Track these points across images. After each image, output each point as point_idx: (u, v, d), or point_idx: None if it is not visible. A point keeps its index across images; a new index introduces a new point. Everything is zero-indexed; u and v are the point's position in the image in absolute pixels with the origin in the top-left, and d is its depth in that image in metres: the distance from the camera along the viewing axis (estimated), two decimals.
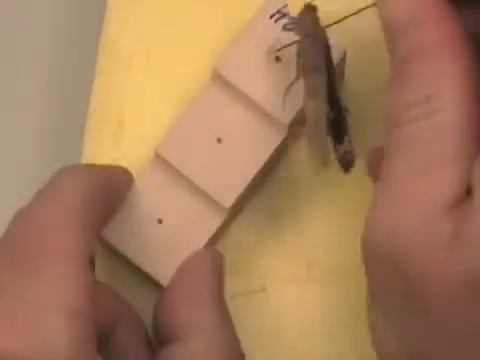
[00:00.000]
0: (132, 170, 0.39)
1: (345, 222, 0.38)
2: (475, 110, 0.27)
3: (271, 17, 0.35)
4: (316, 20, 0.34)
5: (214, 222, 0.35)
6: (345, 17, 0.33)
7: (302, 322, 0.37)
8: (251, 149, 0.35)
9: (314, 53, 0.33)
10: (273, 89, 0.35)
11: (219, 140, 0.35)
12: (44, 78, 0.44)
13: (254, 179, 0.35)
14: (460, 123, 0.27)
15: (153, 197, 0.36)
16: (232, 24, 0.41)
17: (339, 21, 0.33)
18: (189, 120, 0.36)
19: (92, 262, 0.33)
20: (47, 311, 0.30)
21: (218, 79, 0.36)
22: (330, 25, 0.34)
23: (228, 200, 0.35)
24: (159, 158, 0.36)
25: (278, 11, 0.35)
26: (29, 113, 0.44)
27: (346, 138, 0.33)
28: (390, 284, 0.28)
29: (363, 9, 0.32)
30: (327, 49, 0.34)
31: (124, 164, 0.39)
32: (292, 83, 0.34)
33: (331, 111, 0.33)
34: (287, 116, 0.35)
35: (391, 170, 0.28)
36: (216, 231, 0.36)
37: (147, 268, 0.35)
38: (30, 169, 0.43)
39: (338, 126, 0.33)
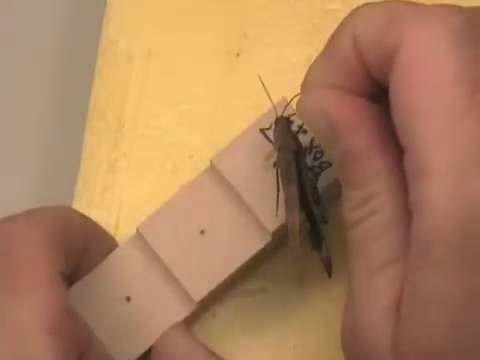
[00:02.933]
0: (132, 170, 0.39)
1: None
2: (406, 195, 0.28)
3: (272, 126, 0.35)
4: (286, 130, 0.34)
5: (182, 311, 0.35)
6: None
7: (302, 322, 0.37)
8: (232, 248, 0.35)
9: (286, 164, 0.33)
10: (265, 194, 0.34)
11: (202, 232, 0.35)
12: (44, 78, 0.44)
13: (229, 278, 0.35)
14: (400, 216, 0.28)
15: (125, 273, 0.35)
16: (232, 24, 0.41)
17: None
18: (177, 205, 0.36)
19: (66, 278, 0.32)
20: (27, 329, 0.29)
21: (214, 171, 0.36)
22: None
23: (199, 294, 0.35)
24: (139, 235, 0.36)
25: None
26: (29, 113, 0.44)
27: (323, 246, 0.33)
28: None
29: None
30: (299, 157, 0.34)
31: (124, 164, 0.39)
32: (277, 196, 0.34)
33: (308, 221, 0.33)
34: (274, 223, 0.34)
35: (350, 272, 0.29)
36: (183, 319, 0.35)
37: (109, 347, 0.34)
38: (30, 169, 0.43)
39: (315, 235, 0.33)
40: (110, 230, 0.38)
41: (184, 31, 0.41)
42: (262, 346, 0.37)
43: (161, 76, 0.41)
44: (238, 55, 0.41)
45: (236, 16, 0.41)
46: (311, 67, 0.31)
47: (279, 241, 0.36)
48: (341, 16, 0.39)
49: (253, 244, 0.35)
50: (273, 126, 0.34)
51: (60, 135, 0.43)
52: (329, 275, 0.34)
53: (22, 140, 0.44)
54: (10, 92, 0.44)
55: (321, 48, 0.40)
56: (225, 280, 0.35)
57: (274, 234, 0.35)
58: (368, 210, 0.28)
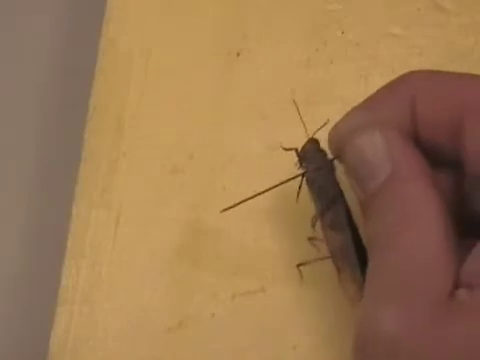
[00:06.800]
0: (132, 170, 0.39)
1: None
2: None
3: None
4: (323, 152, 0.33)
5: None
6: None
7: (302, 322, 0.37)
8: None
9: (329, 184, 0.33)
10: None
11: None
12: (44, 78, 0.44)
13: None
14: (442, 240, 0.28)
15: None
16: (232, 24, 0.41)
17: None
18: None
19: None
20: None
21: None
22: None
23: None
24: None
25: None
26: (29, 113, 0.44)
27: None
28: None
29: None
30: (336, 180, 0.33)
31: (124, 164, 0.39)
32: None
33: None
34: None
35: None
36: None
37: None
38: (30, 169, 0.43)
39: (361, 254, 0.33)
40: (110, 230, 0.38)
41: (184, 31, 0.41)
42: (262, 346, 0.37)
43: (161, 76, 0.41)
44: (238, 55, 0.41)
45: (236, 16, 0.41)
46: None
47: None
48: (341, 16, 0.40)
49: None
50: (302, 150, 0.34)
51: (60, 135, 0.43)
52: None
53: (22, 140, 0.44)
54: (10, 92, 0.44)
55: (321, 48, 0.41)
56: None
57: None
58: (410, 223, 0.28)
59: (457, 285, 0.27)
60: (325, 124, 0.33)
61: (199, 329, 0.37)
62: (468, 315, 0.26)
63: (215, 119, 0.40)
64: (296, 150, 0.34)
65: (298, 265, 0.36)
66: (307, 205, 0.38)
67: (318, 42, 0.40)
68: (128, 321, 0.37)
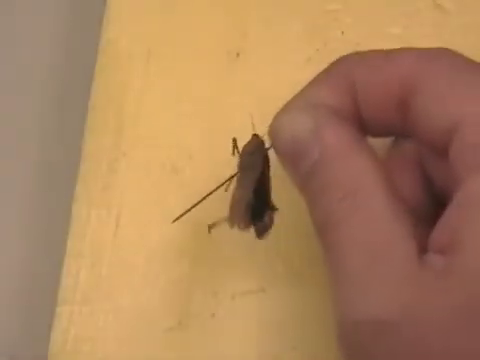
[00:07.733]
0: (132, 170, 0.39)
1: None
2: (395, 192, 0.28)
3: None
4: (259, 142, 0.34)
5: None
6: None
7: (302, 322, 0.37)
8: None
9: (251, 159, 0.33)
10: None
11: None
12: (44, 78, 0.44)
13: None
14: (390, 206, 0.28)
15: None
16: (232, 24, 0.41)
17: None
18: None
19: None
20: None
21: None
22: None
23: None
24: None
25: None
26: (29, 113, 0.44)
27: (265, 218, 0.33)
28: None
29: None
30: (266, 159, 0.33)
31: (124, 164, 0.39)
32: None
33: (255, 201, 0.33)
34: None
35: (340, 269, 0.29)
36: None
37: None
38: (30, 169, 0.43)
39: (258, 211, 0.33)
40: (110, 230, 0.38)
41: (184, 31, 0.41)
42: (262, 346, 0.37)
43: (161, 76, 0.41)
44: (238, 55, 0.41)
45: (236, 16, 0.41)
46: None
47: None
48: (341, 16, 0.39)
49: None
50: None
51: (60, 135, 0.43)
52: (259, 236, 0.34)
53: (22, 140, 0.44)
54: (10, 92, 0.44)
55: (321, 48, 0.41)
56: None
57: None
58: (354, 203, 0.28)
59: (427, 250, 0.27)
60: None
61: (199, 329, 0.37)
62: (443, 281, 0.26)
63: (215, 119, 0.40)
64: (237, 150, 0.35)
65: (209, 227, 0.36)
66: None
67: (318, 42, 0.40)
68: (128, 321, 0.37)
